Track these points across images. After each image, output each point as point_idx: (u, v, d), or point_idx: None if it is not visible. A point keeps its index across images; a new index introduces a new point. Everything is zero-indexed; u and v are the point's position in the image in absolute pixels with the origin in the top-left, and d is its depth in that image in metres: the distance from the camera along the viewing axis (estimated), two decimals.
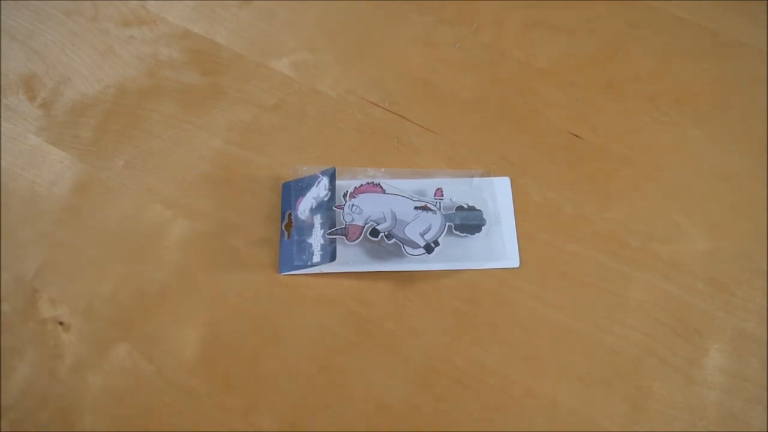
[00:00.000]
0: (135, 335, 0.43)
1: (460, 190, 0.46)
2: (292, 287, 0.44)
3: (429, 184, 0.47)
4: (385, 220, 0.44)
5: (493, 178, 0.47)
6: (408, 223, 0.44)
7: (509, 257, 0.44)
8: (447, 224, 0.44)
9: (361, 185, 0.45)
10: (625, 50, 0.52)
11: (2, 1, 0.58)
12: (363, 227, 0.44)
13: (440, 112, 0.50)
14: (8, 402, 0.42)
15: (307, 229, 0.45)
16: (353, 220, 0.44)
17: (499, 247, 0.45)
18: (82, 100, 0.53)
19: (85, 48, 0.55)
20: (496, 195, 0.46)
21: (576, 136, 0.49)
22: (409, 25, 0.54)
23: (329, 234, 0.44)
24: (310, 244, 0.44)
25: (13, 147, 0.51)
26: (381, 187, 0.45)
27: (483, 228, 0.45)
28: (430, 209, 0.45)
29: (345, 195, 0.45)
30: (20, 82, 0.54)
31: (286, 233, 0.46)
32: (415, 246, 0.44)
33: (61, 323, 0.44)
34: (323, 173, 0.46)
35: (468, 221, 0.45)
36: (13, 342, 0.44)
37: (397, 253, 0.44)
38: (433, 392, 0.41)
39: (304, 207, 0.46)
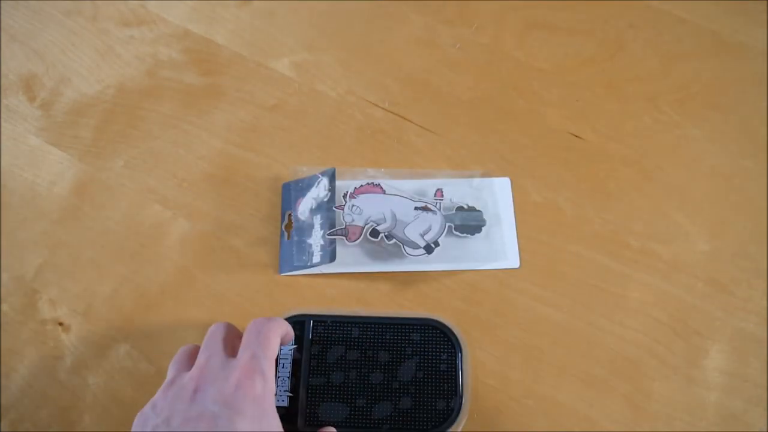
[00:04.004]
0: (135, 335, 0.43)
1: (460, 190, 0.46)
2: (291, 287, 0.44)
3: (429, 185, 0.47)
4: (385, 221, 0.44)
5: (493, 178, 0.47)
6: (408, 224, 0.44)
7: (509, 258, 0.44)
8: (447, 225, 0.44)
9: (361, 185, 0.45)
10: (625, 50, 0.52)
11: (2, 1, 0.58)
12: (363, 228, 0.44)
13: (440, 112, 0.50)
14: (8, 402, 0.42)
15: (307, 229, 0.45)
16: (353, 220, 0.44)
17: (499, 248, 0.45)
18: (82, 100, 0.53)
19: (85, 48, 0.55)
20: (496, 195, 0.46)
21: (576, 136, 0.49)
22: (409, 25, 0.54)
23: (329, 234, 0.44)
24: (310, 245, 0.44)
25: (13, 147, 0.51)
26: (381, 188, 0.45)
27: (483, 228, 0.45)
28: (430, 210, 0.45)
29: (345, 195, 0.45)
30: (20, 82, 0.54)
31: (286, 233, 0.46)
32: (416, 246, 0.44)
33: (61, 323, 0.44)
34: (323, 173, 0.46)
35: (468, 222, 0.45)
36: (13, 342, 0.44)
37: (397, 253, 0.44)
38: None
39: (304, 207, 0.46)
